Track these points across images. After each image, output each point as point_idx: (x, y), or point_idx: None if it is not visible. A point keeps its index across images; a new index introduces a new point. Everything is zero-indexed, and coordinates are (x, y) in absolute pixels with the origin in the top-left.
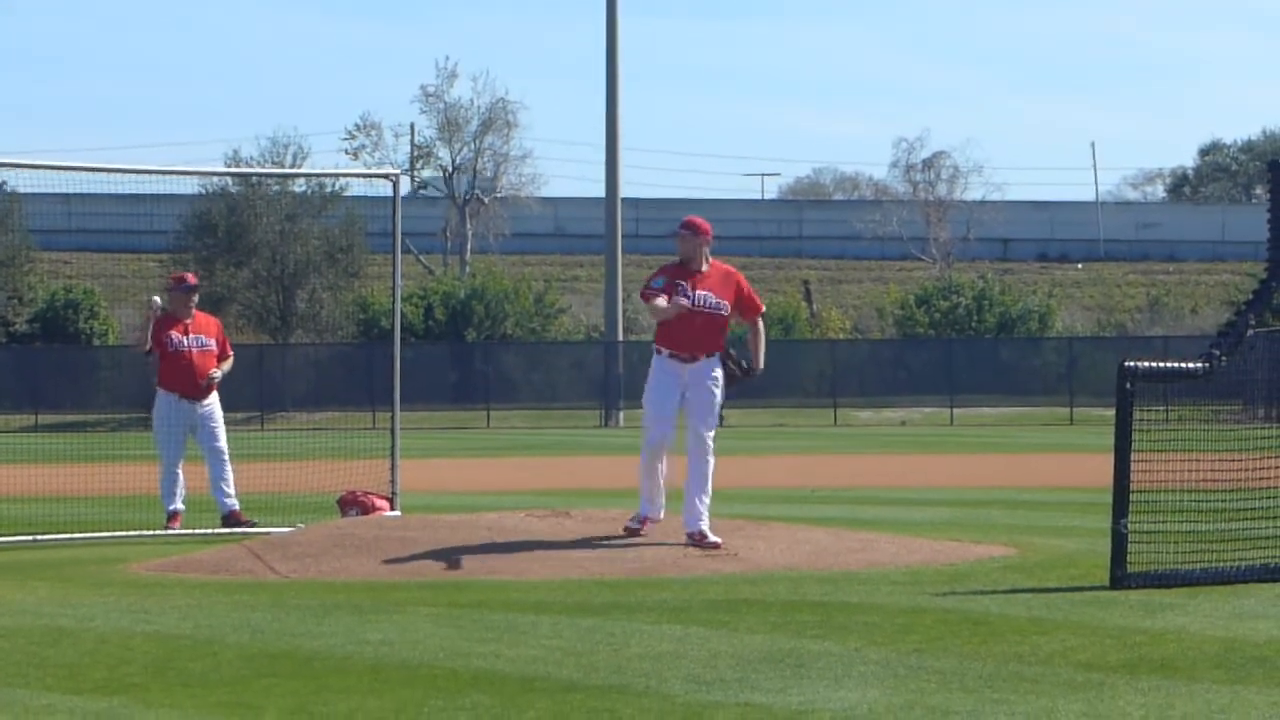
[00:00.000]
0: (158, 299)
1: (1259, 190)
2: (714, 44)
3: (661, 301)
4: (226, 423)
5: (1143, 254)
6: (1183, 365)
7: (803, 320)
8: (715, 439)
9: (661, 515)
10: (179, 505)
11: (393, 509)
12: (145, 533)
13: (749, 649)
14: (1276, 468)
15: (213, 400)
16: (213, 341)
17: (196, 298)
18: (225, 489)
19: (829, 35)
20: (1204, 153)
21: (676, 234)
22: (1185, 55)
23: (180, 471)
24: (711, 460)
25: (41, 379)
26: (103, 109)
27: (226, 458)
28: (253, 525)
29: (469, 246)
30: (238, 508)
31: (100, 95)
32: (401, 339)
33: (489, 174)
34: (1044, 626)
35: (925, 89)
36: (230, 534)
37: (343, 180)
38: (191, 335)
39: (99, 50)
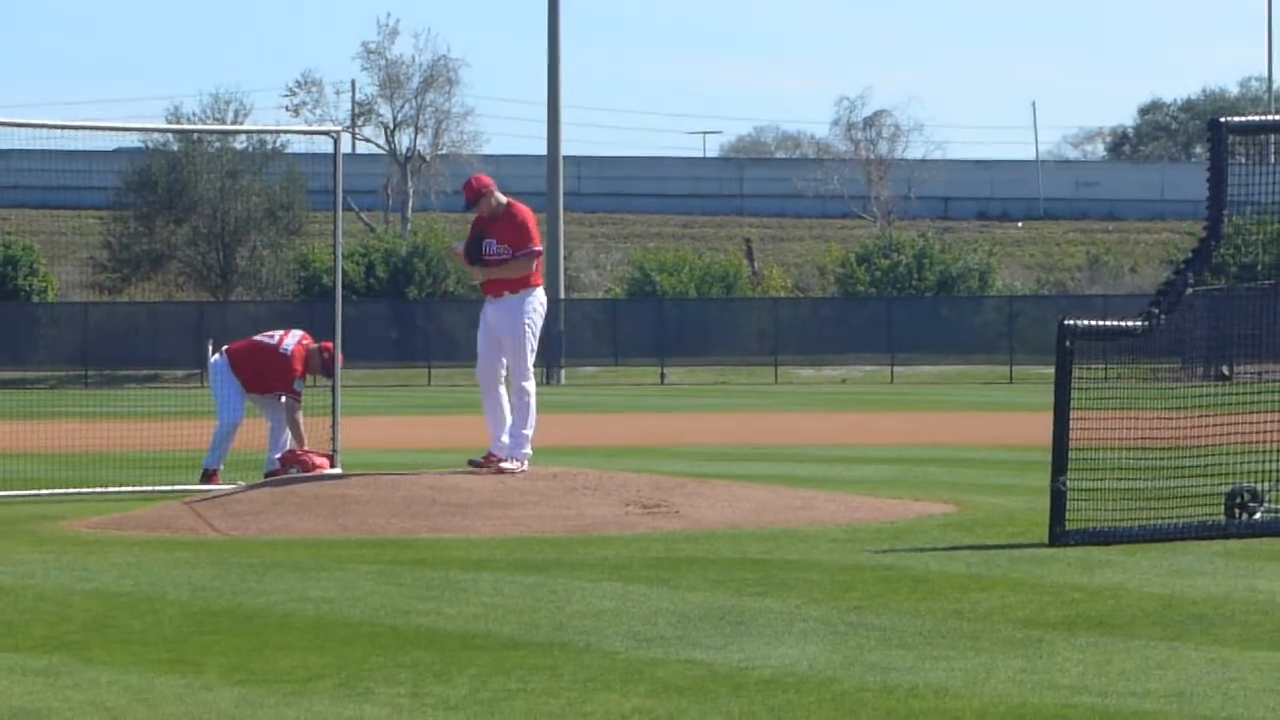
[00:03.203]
0: None
1: (1199, 149)
2: (656, 1)
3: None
4: (169, 380)
5: (1082, 212)
6: (1122, 324)
7: (744, 278)
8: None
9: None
10: (220, 466)
11: (334, 467)
12: (85, 490)
13: (689, 606)
14: (1214, 425)
15: None
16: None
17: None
18: (282, 446)
19: None
20: (1144, 112)
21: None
22: (1125, 14)
23: (235, 436)
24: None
25: None
26: (42, 64)
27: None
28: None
29: (410, 204)
30: (279, 467)
31: (40, 50)
32: (343, 296)
33: (430, 131)
34: (983, 583)
35: (867, 47)
36: (170, 491)
37: (284, 137)
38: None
39: (38, 4)
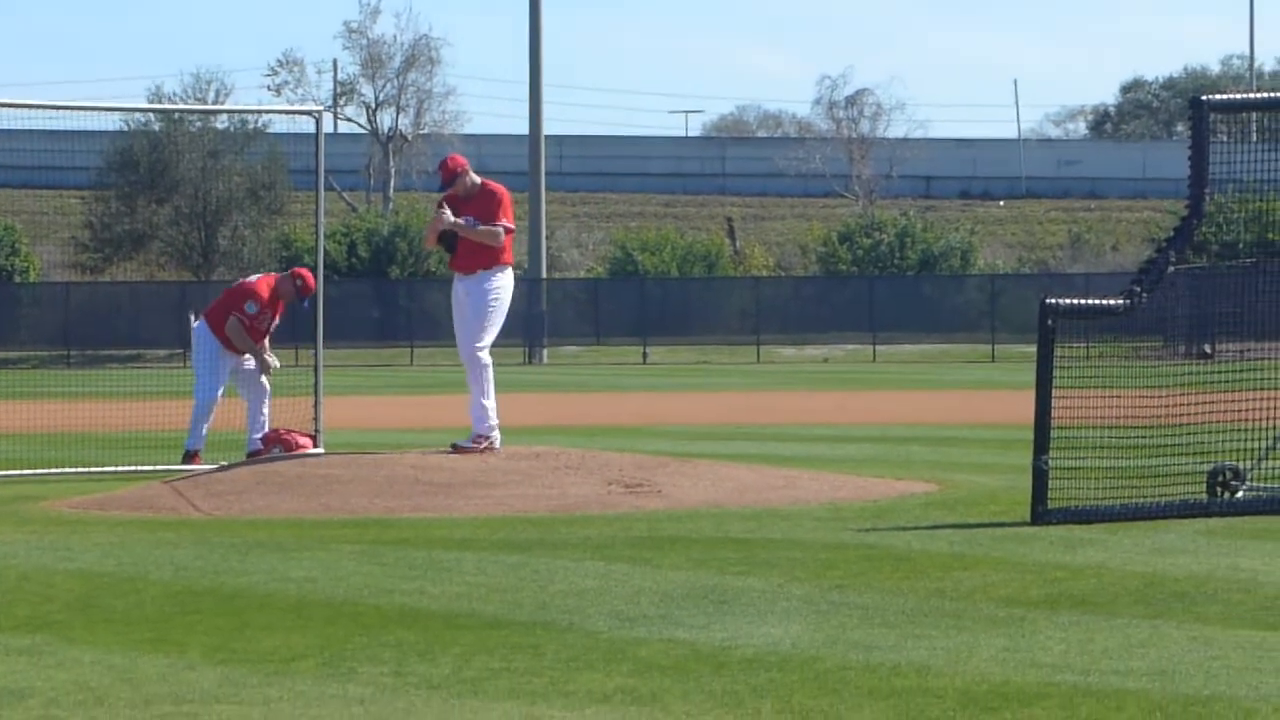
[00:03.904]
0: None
1: (1180, 127)
2: None
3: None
4: (152, 360)
5: (1064, 191)
6: (1104, 302)
7: (726, 257)
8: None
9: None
10: (201, 447)
11: (316, 447)
12: (67, 470)
13: (672, 585)
14: (1196, 404)
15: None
16: (276, 322)
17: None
18: (263, 425)
19: None
20: (1126, 90)
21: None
22: None
23: (213, 413)
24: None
25: None
26: (24, 44)
27: (269, 395)
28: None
29: (392, 184)
30: (261, 447)
31: (21, 30)
32: (325, 276)
33: (412, 111)
34: (965, 562)
35: (849, 26)
36: (153, 471)
37: (265, 117)
38: (275, 318)
39: None
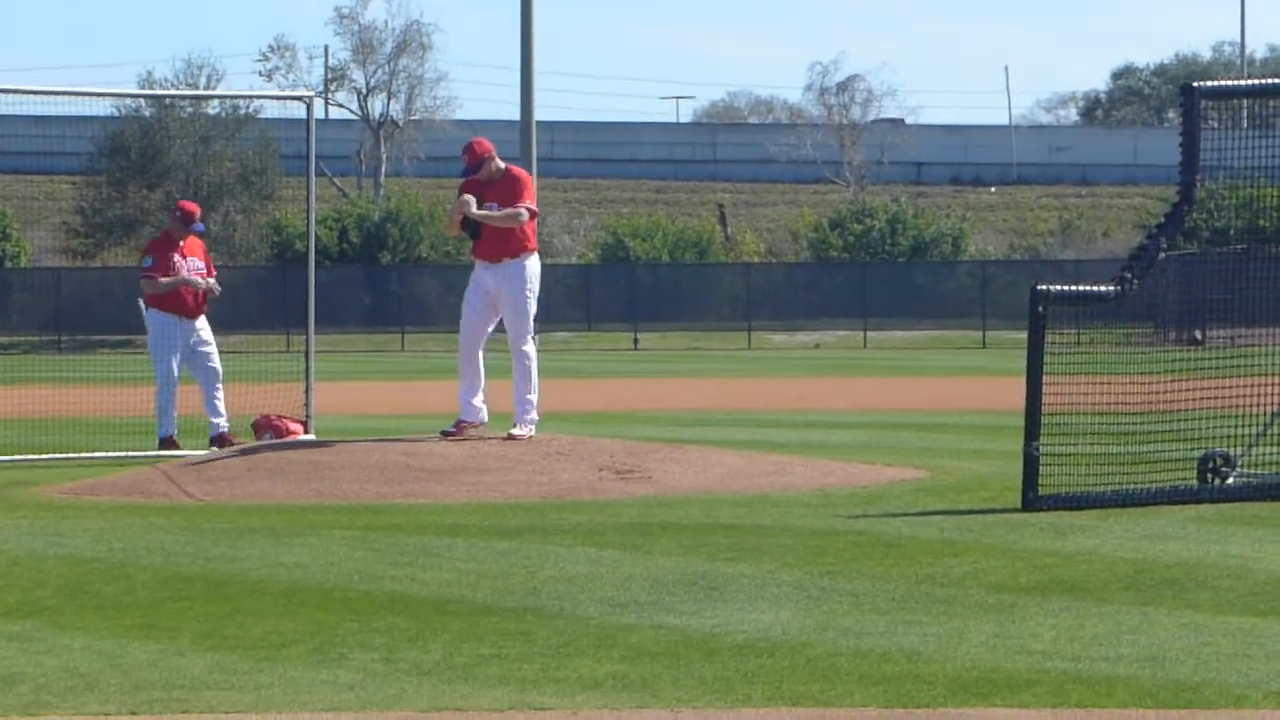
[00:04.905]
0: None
1: (1171, 114)
2: None
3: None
4: (142, 345)
5: (1055, 177)
6: (1095, 288)
7: (717, 243)
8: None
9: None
10: (175, 431)
11: (307, 432)
12: (58, 455)
13: (663, 571)
14: (1186, 390)
15: (204, 320)
16: (202, 264)
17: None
18: (219, 408)
19: None
20: (1116, 76)
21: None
22: None
23: (175, 394)
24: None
25: None
26: (14, 29)
27: (220, 379)
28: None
29: (384, 169)
30: (227, 429)
31: (12, 15)
32: (316, 262)
33: (403, 97)
34: (956, 548)
35: (840, 12)
36: (144, 457)
37: (257, 102)
38: (189, 258)
39: None
